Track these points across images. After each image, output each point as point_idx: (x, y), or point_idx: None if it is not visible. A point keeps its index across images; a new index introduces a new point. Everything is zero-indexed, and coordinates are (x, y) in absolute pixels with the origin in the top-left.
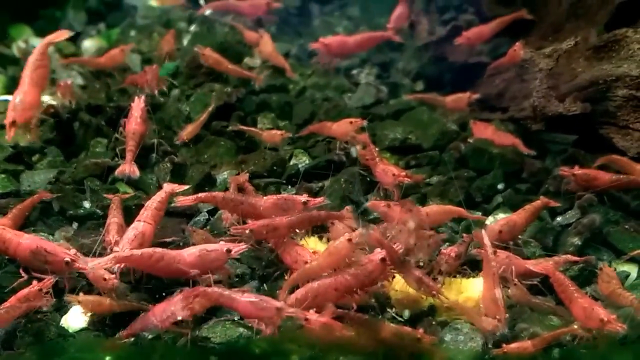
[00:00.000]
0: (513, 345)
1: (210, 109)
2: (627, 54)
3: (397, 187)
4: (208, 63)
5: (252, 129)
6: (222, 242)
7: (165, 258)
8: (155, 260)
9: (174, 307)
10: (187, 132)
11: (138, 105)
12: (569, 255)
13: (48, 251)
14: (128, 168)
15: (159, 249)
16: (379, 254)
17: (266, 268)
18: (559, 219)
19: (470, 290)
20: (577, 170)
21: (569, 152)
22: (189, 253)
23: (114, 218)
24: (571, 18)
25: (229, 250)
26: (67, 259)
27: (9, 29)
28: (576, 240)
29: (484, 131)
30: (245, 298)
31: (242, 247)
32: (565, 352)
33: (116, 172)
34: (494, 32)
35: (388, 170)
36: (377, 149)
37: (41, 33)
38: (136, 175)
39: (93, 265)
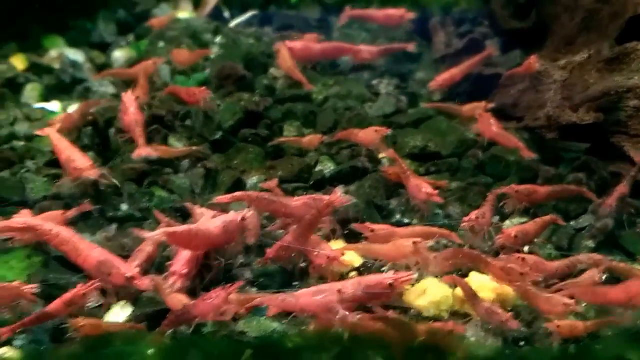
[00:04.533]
0: (565, 323)
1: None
2: (637, 67)
3: (427, 204)
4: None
5: (291, 138)
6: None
7: (200, 234)
8: (194, 236)
9: (218, 304)
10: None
11: (130, 99)
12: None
13: (114, 265)
14: (144, 151)
15: (193, 225)
16: (390, 278)
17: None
18: (572, 223)
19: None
20: (518, 187)
21: (581, 160)
22: (215, 226)
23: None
24: (583, 32)
25: (243, 218)
26: (129, 275)
27: (43, 40)
28: (590, 243)
29: (488, 126)
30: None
31: (251, 212)
32: (582, 348)
33: (133, 156)
34: (464, 74)
35: (422, 187)
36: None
37: (73, 43)
38: (153, 155)
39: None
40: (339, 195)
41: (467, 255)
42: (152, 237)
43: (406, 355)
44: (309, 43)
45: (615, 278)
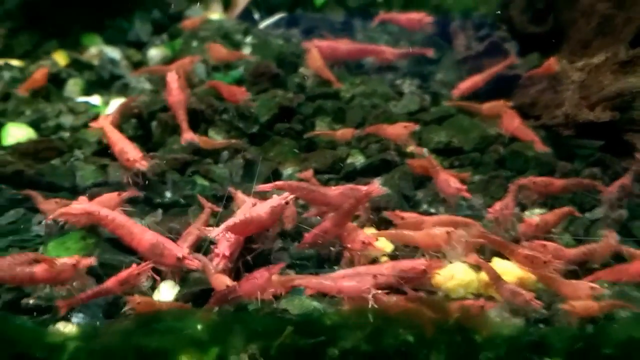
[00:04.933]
0: (580, 303)
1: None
2: None
3: (455, 198)
4: None
5: (325, 131)
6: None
7: (254, 220)
8: (250, 223)
9: (261, 284)
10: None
11: (173, 78)
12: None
13: (165, 246)
14: (190, 135)
15: (247, 214)
16: (423, 264)
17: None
18: (587, 214)
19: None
20: (536, 179)
21: (596, 156)
22: (264, 211)
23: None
24: (598, 35)
25: (287, 202)
26: (180, 254)
27: (82, 38)
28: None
29: (511, 121)
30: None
31: (291, 196)
32: (599, 328)
33: (182, 141)
34: (485, 81)
35: (451, 182)
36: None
37: (110, 42)
38: (196, 141)
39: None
40: (376, 186)
41: (493, 240)
42: (216, 234)
43: (436, 332)
44: (335, 43)
45: None
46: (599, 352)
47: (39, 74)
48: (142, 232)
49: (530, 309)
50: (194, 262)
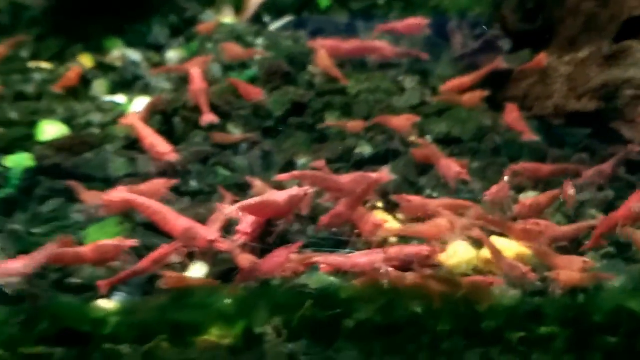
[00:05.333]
0: (564, 272)
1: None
2: (633, 62)
3: (455, 181)
4: None
5: (338, 122)
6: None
7: (269, 204)
8: (264, 206)
9: (281, 262)
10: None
11: (197, 71)
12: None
13: (197, 230)
14: (210, 117)
15: (263, 196)
16: (427, 250)
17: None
18: (577, 196)
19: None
20: (526, 164)
21: (584, 143)
22: (282, 197)
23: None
24: (585, 32)
25: (306, 194)
26: (211, 238)
27: (105, 42)
28: (593, 212)
29: (511, 113)
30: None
31: (310, 189)
32: (589, 298)
33: (202, 123)
34: (472, 83)
35: (452, 166)
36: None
37: (131, 44)
38: (216, 121)
39: (227, 210)
40: (385, 173)
41: (491, 220)
42: (230, 211)
43: (443, 304)
44: (337, 42)
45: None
46: (590, 320)
47: (73, 73)
48: (175, 218)
49: (526, 281)
50: (224, 244)
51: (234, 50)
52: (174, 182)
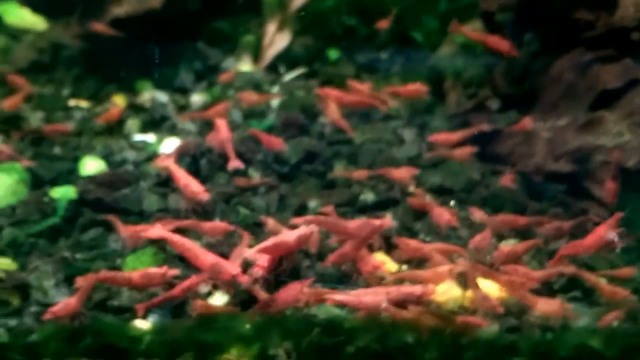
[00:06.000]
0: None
1: None
2: (604, 130)
3: (446, 227)
4: None
5: (345, 172)
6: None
7: (283, 244)
8: (278, 246)
9: (295, 294)
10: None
11: (222, 122)
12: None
13: (222, 266)
14: (236, 163)
15: (277, 238)
16: (419, 291)
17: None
18: (551, 245)
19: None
20: (505, 216)
21: (559, 198)
22: (292, 237)
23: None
24: (564, 99)
25: (313, 233)
26: (234, 273)
27: (136, 84)
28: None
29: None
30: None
31: (315, 228)
32: (557, 335)
33: (229, 168)
34: (458, 140)
35: (443, 214)
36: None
37: (159, 87)
38: (242, 167)
39: (248, 253)
40: (388, 220)
41: (481, 269)
42: (250, 253)
43: (430, 335)
44: (341, 93)
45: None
46: (557, 355)
47: (115, 110)
48: (204, 254)
49: (495, 312)
50: (245, 278)
51: (251, 97)
52: (231, 228)
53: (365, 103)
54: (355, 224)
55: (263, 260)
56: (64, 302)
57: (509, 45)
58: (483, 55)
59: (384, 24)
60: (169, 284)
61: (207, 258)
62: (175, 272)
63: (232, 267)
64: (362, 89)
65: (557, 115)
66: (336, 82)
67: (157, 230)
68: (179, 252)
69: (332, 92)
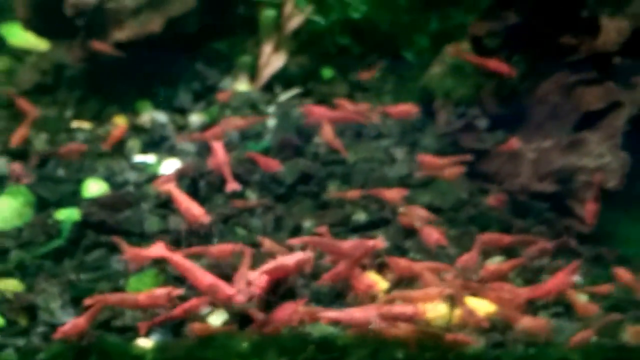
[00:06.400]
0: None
1: None
2: (587, 151)
3: (435, 246)
4: None
5: (338, 193)
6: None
7: (283, 268)
8: (278, 269)
9: (290, 313)
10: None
11: (219, 145)
12: None
13: (220, 286)
14: (234, 186)
15: (277, 261)
16: (411, 311)
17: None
18: (535, 262)
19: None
20: (490, 235)
21: (544, 216)
22: (292, 261)
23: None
24: (549, 120)
25: (309, 257)
26: (230, 293)
27: (136, 104)
28: (547, 278)
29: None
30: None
31: (311, 253)
32: (539, 350)
33: (227, 190)
34: (441, 167)
35: (433, 234)
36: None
37: (159, 107)
38: (239, 189)
39: (251, 277)
40: (380, 241)
41: (472, 286)
42: (254, 277)
43: (419, 351)
44: (324, 110)
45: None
46: None
47: (117, 131)
48: (202, 275)
49: (481, 326)
50: (241, 298)
51: (235, 122)
52: (238, 247)
53: (349, 119)
54: (349, 244)
55: (261, 280)
56: (73, 322)
57: (509, 68)
58: (472, 75)
59: (366, 75)
60: (172, 304)
61: (205, 279)
62: (179, 292)
63: (228, 288)
64: (346, 105)
65: (543, 135)
66: (329, 101)
67: (158, 249)
68: (179, 272)
69: (316, 110)
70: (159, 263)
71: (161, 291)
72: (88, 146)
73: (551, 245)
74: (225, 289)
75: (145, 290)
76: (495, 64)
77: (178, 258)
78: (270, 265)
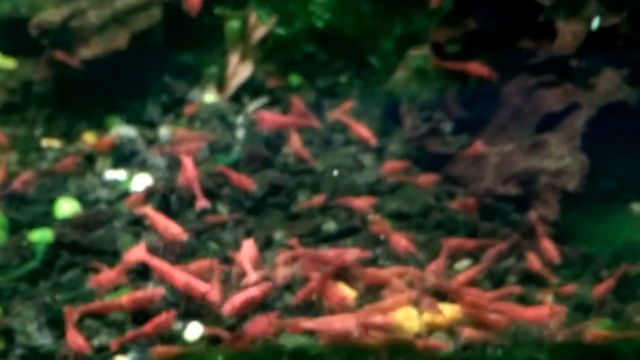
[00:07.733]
0: None
1: None
2: (548, 153)
3: (403, 253)
4: None
5: (306, 202)
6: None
7: (251, 302)
8: (248, 301)
9: (264, 326)
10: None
11: (188, 160)
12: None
13: (193, 284)
14: (203, 203)
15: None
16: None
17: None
18: (501, 264)
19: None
20: (454, 240)
21: (508, 218)
22: (257, 293)
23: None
24: (512, 122)
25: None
26: (204, 290)
27: (105, 119)
28: (513, 279)
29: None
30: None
31: (290, 272)
32: (506, 351)
33: (196, 208)
34: (402, 168)
35: (401, 241)
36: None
37: (128, 122)
38: (209, 206)
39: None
40: (354, 252)
41: (446, 287)
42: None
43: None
44: (275, 115)
45: None
46: None
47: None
48: (179, 275)
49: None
50: (215, 296)
51: (186, 136)
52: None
53: (299, 124)
54: (332, 253)
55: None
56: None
57: (489, 70)
58: (436, 79)
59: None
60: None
61: (180, 278)
62: (160, 291)
63: (202, 285)
64: (299, 105)
65: (507, 138)
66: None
67: (137, 252)
68: (157, 274)
69: (267, 116)
70: (134, 281)
71: (143, 293)
72: (52, 166)
73: (505, 247)
74: (200, 286)
75: (126, 294)
76: (475, 67)
77: (156, 261)
78: (238, 299)
